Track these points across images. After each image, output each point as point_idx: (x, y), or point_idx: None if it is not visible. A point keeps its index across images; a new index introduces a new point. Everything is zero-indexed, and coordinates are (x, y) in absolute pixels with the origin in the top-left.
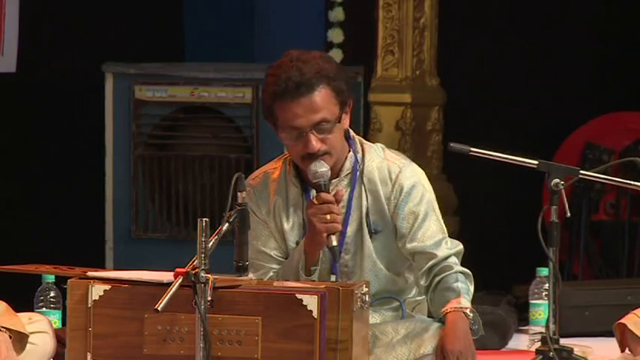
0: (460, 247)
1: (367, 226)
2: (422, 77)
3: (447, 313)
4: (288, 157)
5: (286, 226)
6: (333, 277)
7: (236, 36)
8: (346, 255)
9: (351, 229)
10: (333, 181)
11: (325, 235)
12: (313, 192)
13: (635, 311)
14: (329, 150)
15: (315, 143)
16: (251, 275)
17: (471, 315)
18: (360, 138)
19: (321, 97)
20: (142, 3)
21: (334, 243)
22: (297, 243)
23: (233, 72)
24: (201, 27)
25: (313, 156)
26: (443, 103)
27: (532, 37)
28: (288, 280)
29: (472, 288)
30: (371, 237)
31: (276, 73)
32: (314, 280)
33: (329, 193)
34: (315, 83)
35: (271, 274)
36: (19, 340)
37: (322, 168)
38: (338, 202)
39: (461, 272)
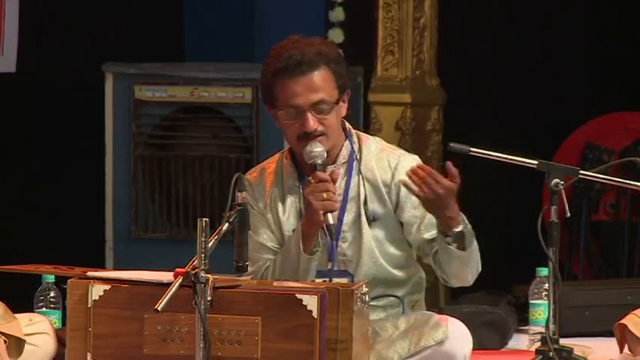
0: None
1: (365, 213)
2: (422, 77)
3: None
4: (285, 151)
5: (282, 215)
6: (329, 265)
7: (236, 36)
8: (344, 244)
9: (348, 218)
10: (329, 167)
11: (322, 213)
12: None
13: (635, 311)
14: (325, 131)
15: (312, 123)
16: (250, 269)
17: (468, 226)
18: (357, 131)
19: (321, 77)
20: (142, 3)
21: (331, 221)
22: (294, 231)
23: (233, 72)
24: (201, 27)
25: (309, 136)
26: (443, 103)
27: (532, 37)
28: (286, 273)
29: (475, 242)
30: (370, 225)
31: (278, 52)
32: (314, 260)
33: (325, 172)
34: (316, 63)
35: (268, 264)
36: (16, 344)
37: (318, 148)
38: (334, 181)
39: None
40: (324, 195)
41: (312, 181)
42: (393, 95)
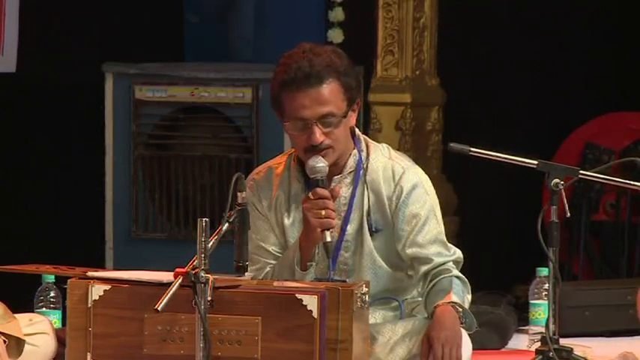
0: (459, 254)
1: (368, 225)
2: (422, 77)
3: (436, 307)
4: (293, 153)
5: (287, 221)
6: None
7: (236, 36)
8: (346, 253)
9: (351, 228)
10: (336, 177)
11: (320, 230)
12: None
13: None
14: (332, 144)
15: (319, 136)
16: (249, 269)
17: (461, 310)
18: (366, 137)
19: (330, 90)
20: (142, 3)
21: (328, 239)
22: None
23: (233, 72)
24: (202, 27)
25: (316, 148)
26: (443, 103)
27: (532, 37)
28: (285, 279)
29: (469, 297)
30: (372, 236)
31: (287, 63)
32: (309, 274)
33: (326, 189)
34: (325, 76)
35: (268, 269)
36: (17, 344)
37: (320, 163)
38: (334, 198)
39: (457, 277)
40: (323, 212)
41: (312, 197)
42: (393, 95)
